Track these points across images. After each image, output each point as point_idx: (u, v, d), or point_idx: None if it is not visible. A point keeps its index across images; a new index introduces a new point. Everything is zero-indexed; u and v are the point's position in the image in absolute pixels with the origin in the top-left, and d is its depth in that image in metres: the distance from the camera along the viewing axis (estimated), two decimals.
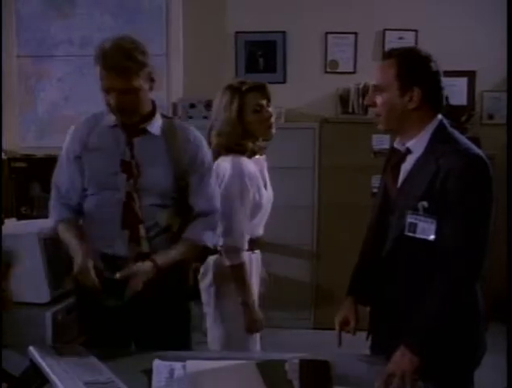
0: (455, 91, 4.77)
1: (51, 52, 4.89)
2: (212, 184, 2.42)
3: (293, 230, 4.75)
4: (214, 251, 2.54)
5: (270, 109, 2.66)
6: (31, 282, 2.82)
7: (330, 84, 4.98)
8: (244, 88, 2.61)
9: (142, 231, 2.30)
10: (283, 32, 4.98)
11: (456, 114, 4.48)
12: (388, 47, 4.75)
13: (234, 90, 2.62)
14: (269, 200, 2.70)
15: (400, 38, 4.92)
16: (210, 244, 2.39)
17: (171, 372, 1.95)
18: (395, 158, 2.16)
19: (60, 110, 4.95)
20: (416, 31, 4.90)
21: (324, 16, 4.94)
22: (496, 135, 4.33)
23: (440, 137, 2.05)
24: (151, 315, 2.32)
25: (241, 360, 2.08)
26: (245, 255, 2.60)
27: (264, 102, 2.63)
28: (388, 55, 2.10)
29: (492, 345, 2.12)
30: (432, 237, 1.98)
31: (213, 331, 2.67)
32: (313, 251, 4.84)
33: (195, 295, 2.62)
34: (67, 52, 4.93)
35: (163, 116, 2.42)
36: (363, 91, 4.80)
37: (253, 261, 2.68)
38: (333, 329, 2.28)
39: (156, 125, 2.35)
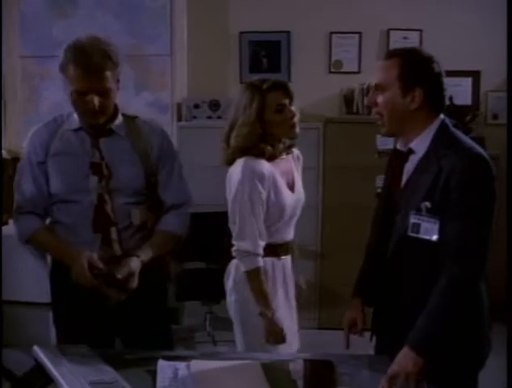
0: (460, 91, 4.76)
1: (54, 52, 4.81)
2: (181, 176, 2.44)
3: (297, 230, 4.73)
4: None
5: (293, 108, 2.52)
6: (34, 281, 2.83)
7: (334, 84, 4.97)
8: (265, 87, 2.48)
9: (114, 234, 2.30)
10: (288, 32, 4.97)
11: (461, 114, 4.48)
12: (392, 47, 4.73)
13: (254, 88, 2.50)
14: (296, 203, 2.58)
15: (405, 38, 4.91)
16: (183, 234, 2.41)
17: (175, 372, 1.95)
18: (398, 158, 2.16)
19: (63, 110, 4.91)
20: (420, 30, 4.89)
21: (328, 16, 4.93)
22: (500, 135, 4.30)
23: (442, 137, 2.05)
24: (132, 313, 2.32)
25: (245, 360, 2.08)
26: (265, 262, 2.50)
27: (286, 101, 2.51)
28: (391, 55, 2.10)
29: (493, 346, 2.12)
30: (435, 237, 1.97)
31: (237, 338, 2.59)
32: (317, 251, 4.83)
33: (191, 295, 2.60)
34: None
35: (124, 115, 2.40)
36: (368, 91, 4.79)
37: (276, 268, 2.55)
38: (338, 329, 2.28)
39: (120, 125, 2.35)
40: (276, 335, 2.46)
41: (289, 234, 2.61)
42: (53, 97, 4.87)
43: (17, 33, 4.86)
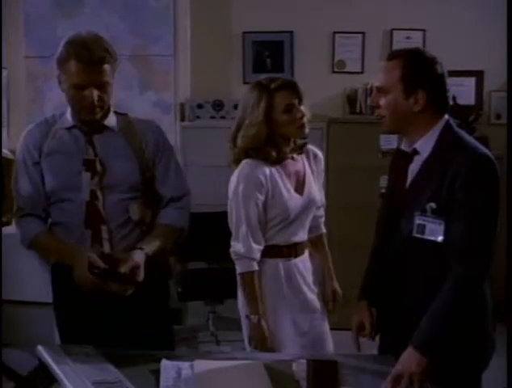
0: (463, 91, 4.75)
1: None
2: (178, 170, 2.44)
3: None
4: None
5: (302, 108, 2.46)
6: (38, 281, 2.83)
7: (338, 84, 4.97)
8: (273, 86, 2.43)
9: (104, 233, 2.29)
10: (291, 32, 4.97)
11: (464, 114, 4.47)
12: (395, 47, 4.73)
13: (262, 88, 2.45)
14: (305, 204, 2.53)
15: (408, 38, 4.90)
16: (185, 226, 2.40)
17: (179, 372, 1.95)
18: (402, 159, 2.16)
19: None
20: (424, 30, 4.88)
21: (331, 16, 4.93)
22: (504, 135, 4.30)
23: (447, 138, 2.04)
24: (134, 311, 2.32)
25: (248, 359, 2.08)
26: (267, 262, 2.48)
27: (295, 101, 2.45)
28: (393, 56, 2.08)
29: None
30: (440, 238, 1.97)
31: (243, 332, 2.58)
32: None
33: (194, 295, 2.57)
34: None
35: (116, 113, 2.41)
36: (371, 91, 4.78)
37: (282, 269, 2.51)
38: (344, 329, 2.27)
39: (113, 121, 2.36)
40: (258, 341, 2.46)
41: (297, 236, 2.55)
42: (57, 97, 4.83)
43: (21, 33, 4.86)
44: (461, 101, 4.42)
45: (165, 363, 1.99)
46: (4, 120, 4.74)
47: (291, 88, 2.47)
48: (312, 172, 2.63)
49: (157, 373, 1.94)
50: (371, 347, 2.27)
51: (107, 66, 2.22)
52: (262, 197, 2.44)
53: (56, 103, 4.89)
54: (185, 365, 1.98)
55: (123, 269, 2.18)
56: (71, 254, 2.24)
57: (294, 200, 2.50)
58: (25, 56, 4.89)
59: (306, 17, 4.92)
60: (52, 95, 4.88)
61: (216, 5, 5.00)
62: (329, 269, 2.76)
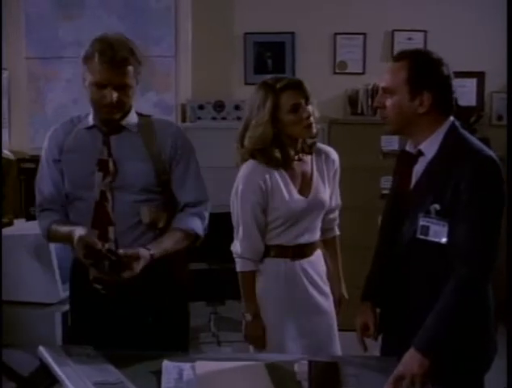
0: (465, 92, 4.76)
1: (59, 53, 4.89)
2: (197, 175, 2.39)
3: None
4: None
5: (308, 108, 2.45)
6: (41, 282, 2.83)
7: (339, 85, 4.98)
8: (278, 86, 2.41)
9: (111, 234, 2.27)
10: (292, 33, 4.98)
11: (465, 115, 4.46)
12: (396, 48, 4.74)
13: (268, 88, 2.43)
14: (310, 206, 2.50)
15: (409, 39, 4.91)
16: (199, 232, 2.35)
17: (180, 373, 1.94)
18: (407, 160, 2.15)
19: (68, 111, 4.91)
20: (425, 31, 4.89)
21: (332, 17, 4.94)
22: (505, 136, 4.30)
23: (452, 139, 2.03)
24: (146, 313, 2.32)
25: (250, 361, 2.07)
26: (269, 262, 2.49)
27: (302, 100, 2.43)
28: (399, 57, 2.07)
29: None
30: (444, 240, 1.97)
31: None
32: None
33: (196, 296, 2.56)
34: (75, 53, 4.87)
35: (138, 114, 2.40)
36: (372, 92, 4.79)
37: (286, 269, 2.49)
38: (348, 330, 2.27)
39: (132, 121, 2.35)
40: (253, 339, 2.50)
41: (303, 237, 2.52)
42: (59, 98, 4.88)
43: (22, 34, 4.86)
44: (462, 102, 4.39)
45: (166, 364, 1.98)
46: (5, 120, 4.74)
47: (297, 88, 2.45)
48: (322, 173, 2.59)
49: (158, 374, 1.94)
50: (372, 347, 2.27)
51: (130, 68, 2.22)
52: (259, 199, 2.44)
53: (57, 104, 4.92)
54: (186, 366, 1.97)
55: (122, 251, 2.15)
56: (72, 231, 2.21)
57: (296, 202, 2.48)
58: (26, 57, 4.89)
59: (307, 18, 4.92)
60: (53, 96, 4.89)
61: (218, 6, 5.00)
62: (338, 273, 2.75)
